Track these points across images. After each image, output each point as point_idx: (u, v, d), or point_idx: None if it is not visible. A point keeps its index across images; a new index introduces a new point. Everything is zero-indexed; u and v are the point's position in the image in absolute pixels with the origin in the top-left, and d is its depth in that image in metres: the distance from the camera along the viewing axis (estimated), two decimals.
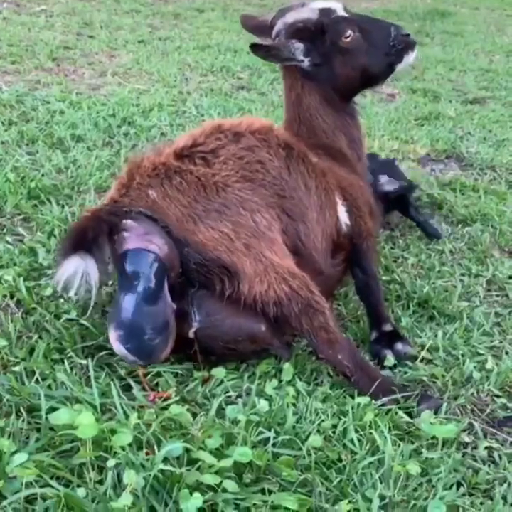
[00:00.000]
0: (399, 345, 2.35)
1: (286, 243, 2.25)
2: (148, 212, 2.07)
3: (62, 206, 3.12)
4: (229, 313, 2.09)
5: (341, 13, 2.64)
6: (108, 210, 2.09)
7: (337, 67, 2.64)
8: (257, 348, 2.15)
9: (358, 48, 2.63)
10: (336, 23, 2.60)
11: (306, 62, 2.62)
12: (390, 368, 2.30)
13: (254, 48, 2.53)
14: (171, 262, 2.04)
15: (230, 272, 2.06)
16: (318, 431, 1.90)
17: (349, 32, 2.60)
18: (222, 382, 2.09)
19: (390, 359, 2.31)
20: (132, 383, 2.03)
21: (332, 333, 2.09)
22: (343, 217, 2.54)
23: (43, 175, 3.38)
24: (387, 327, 2.40)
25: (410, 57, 2.73)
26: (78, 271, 1.99)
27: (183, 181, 2.14)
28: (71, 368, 2.04)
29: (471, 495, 1.82)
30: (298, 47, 2.58)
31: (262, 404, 1.94)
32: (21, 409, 1.83)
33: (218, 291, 2.08)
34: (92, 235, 2.01)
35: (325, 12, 2.61)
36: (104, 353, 2.13)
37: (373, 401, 2.03)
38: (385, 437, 1.87)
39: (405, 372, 2.28)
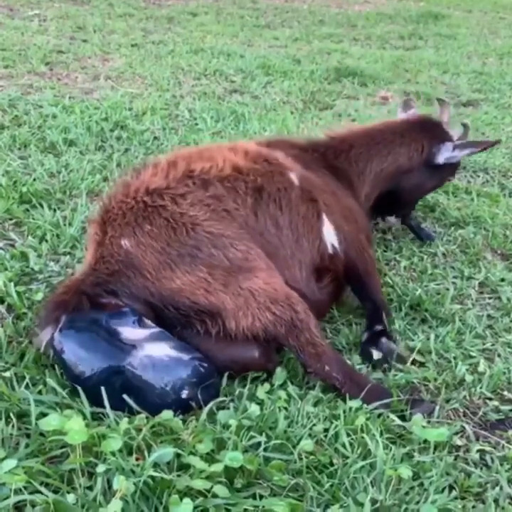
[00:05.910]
0: (383, 340, 2.38)
1: None
2: (126, 290, 2.09)
3: (54, 210, 3.12)
4: (220, 348, 2.11)
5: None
6: (90, 282, 2.10)
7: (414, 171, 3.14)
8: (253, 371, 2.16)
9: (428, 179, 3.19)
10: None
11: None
12: (383, 372, 2.30)
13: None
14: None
15: (210, 314, 2.08)
16: (309, 435, 1.90)
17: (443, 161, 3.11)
18: None
19: (375, 353, 2.35)
20: None
21: (319, 346, 2.11)
22: (330, 238, 2.53)
23: (34, 179, 3.38)
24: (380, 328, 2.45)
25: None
26: None
27: (154, 227, 2.13)
28: (61, 374, 2.02)
29: (463, 498, 1.82)
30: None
31: (254, 409, 1.94)
32: (11, 414, 1.82)
33: (203, 331, 2.10)
34: (73, 308, 2.06)
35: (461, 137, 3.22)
36: None
37: (365, 405, 2.03)
38: (377, 441, 1.87)
39: (395, 375, 2.28)
